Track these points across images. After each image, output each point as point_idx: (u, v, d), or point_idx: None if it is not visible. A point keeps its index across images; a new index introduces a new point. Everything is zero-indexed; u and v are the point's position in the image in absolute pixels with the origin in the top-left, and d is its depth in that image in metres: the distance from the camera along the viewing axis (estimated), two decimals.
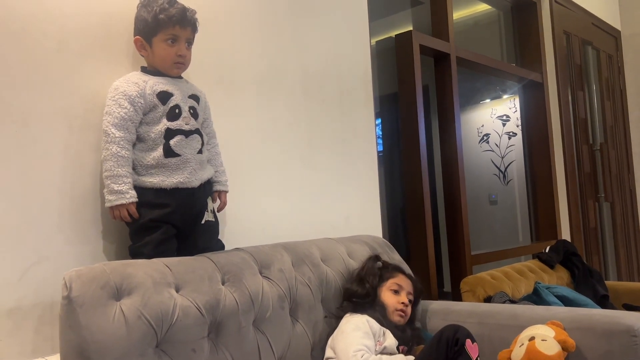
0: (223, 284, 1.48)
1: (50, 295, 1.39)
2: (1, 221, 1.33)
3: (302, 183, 2.14)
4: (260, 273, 1.59)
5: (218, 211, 1.69)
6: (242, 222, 1.90)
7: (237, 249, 1.64)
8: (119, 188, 1.43)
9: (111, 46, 1.58)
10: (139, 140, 1.51)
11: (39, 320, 1.38)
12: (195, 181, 1.55)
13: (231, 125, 1.89)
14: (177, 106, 1.54)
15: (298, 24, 2.19)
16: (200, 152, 1.58)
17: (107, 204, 1.44)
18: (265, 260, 1.63)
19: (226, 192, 1.72)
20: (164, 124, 1.51)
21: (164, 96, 1.53)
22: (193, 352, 1.32)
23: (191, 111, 1.57)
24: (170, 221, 1.52)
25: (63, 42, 1.48)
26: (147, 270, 1.34)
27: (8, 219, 1.35)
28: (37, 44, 1.43)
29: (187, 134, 1.54)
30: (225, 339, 1.41)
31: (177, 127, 1.53)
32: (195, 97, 1.61)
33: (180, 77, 1.62)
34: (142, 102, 1.49)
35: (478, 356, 1.43)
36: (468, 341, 1.41)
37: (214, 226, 1.65)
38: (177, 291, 1.36)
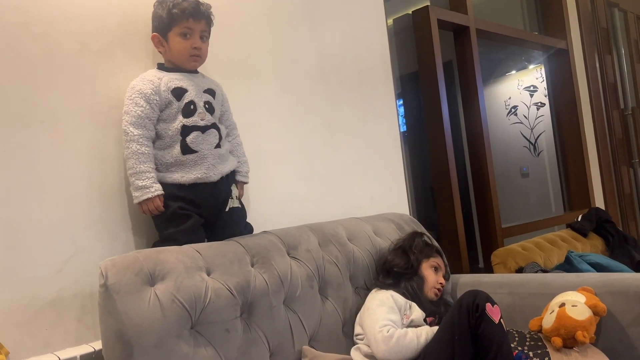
0: (252, 266, 1.52)
1: (89, 285, 1.45)
2: (38, 217, 1.40)
3: (326, 165, 2.17)
4: (288, 254, 1.63)
5: None
6: (269, 206, 1.94)
7: (264, 232, 1.69)
8: (143, 183, 1.47)
9: (130, 44, 1.62)
10: (158, 137, 1.54)
11: (81, 310, 1.45)
12: (214, 176, 1.57)
13: (252, 113, 1.93)
14: (191, 102, 1.56)
15: (313, 7, 2.20)
16: (218, 146, 1.59)
17: (135, 201, 1.49)
18: (293, 242, 1.67)
19: (245, 183, 1.74)
20: (180, 120, 1.54)
21: (178, 92, 1.55)
22: (227, 332, 1.37)
23: (206, 106, 1.59)
24: (196, 212, 1.55)
25: (84, 42, 1.53)
26: (178, 256, 1.39)
27: (44, 214, 1.41)
28: (60, 46, 1.48)
29: (203, 129, 1.56)
30: (257, 318, 1.45)
31: (193, 124, 1.55)
32: (210, 91, 1.63)
33: (196, 72, 1.65)
34: (157, 99, 1.53)
35: (501, 317, 1.43)
36: (488, 305, 1.41)
37: (239, 211, 1.68)
38: (208, 275, 1.41)
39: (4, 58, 1.38)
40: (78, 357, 1.32)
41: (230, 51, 1.89)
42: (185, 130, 1.54)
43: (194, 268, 1.39)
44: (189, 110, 1.55)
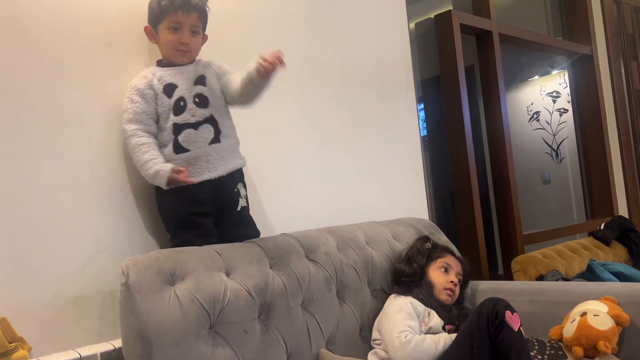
0: (271, 267, 1.52)
1: (111, 283, 1.47)
2: (62, 215, 1.43)
3: (346, 168, 2.17)
4: (307, 257, 1.63)
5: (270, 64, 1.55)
6: (289, 208, 1.94)
7: (283, 234, 1.69)
8: (154, 170, 1.45)
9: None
10: (160, 133, 1.52)
11: (102, 307, 1.47)
12: (212, 173, 1.52)
13: (273, 114, 1.94)
14: (181, 99, 1.52)
15: (335, 11, 2.21)
16: (214, 141, 1.53)
17: (165, 187, 1.46)
18: (311, 244, 1.67)
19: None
20: (171, 119, 1.50)
21: (169, 89, 1.52)
22: (245, 332, 1.38)
23: (197, 100, 1.53)
24: (204, 211, 1.53)
25: (111, 43, 1.55)
26: (198, 256, 1.40)
27: (68, 213, 1.44)
28: (87, 47, 1.51)
29: (195, 126, 1.51)
30: (275, 320, 1.46)
31: (184, 121, 1.50)
32: (201, 80, 1.56)
33: (191, 62, 1.59)
34: (152, 92, 1.51)
35: (521, 325, 1.41)
36: (507, 313, 1.39)
37: (249, 214, 1.65)
38: (227, 275, 1.42)
39: (33, 58, 1.41)
40: (98, 354, 1.33)
41: (251, 54, 1.89)
42: (177, 129, 1.50)
43: (213, 268, 1.40)
44: (179, 107, 1.52)
